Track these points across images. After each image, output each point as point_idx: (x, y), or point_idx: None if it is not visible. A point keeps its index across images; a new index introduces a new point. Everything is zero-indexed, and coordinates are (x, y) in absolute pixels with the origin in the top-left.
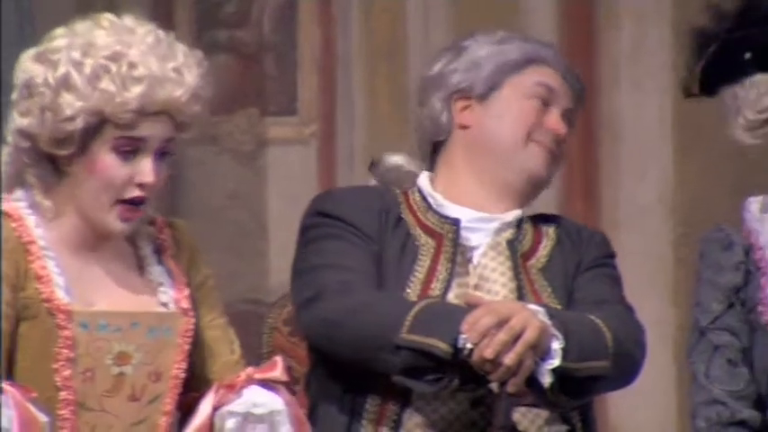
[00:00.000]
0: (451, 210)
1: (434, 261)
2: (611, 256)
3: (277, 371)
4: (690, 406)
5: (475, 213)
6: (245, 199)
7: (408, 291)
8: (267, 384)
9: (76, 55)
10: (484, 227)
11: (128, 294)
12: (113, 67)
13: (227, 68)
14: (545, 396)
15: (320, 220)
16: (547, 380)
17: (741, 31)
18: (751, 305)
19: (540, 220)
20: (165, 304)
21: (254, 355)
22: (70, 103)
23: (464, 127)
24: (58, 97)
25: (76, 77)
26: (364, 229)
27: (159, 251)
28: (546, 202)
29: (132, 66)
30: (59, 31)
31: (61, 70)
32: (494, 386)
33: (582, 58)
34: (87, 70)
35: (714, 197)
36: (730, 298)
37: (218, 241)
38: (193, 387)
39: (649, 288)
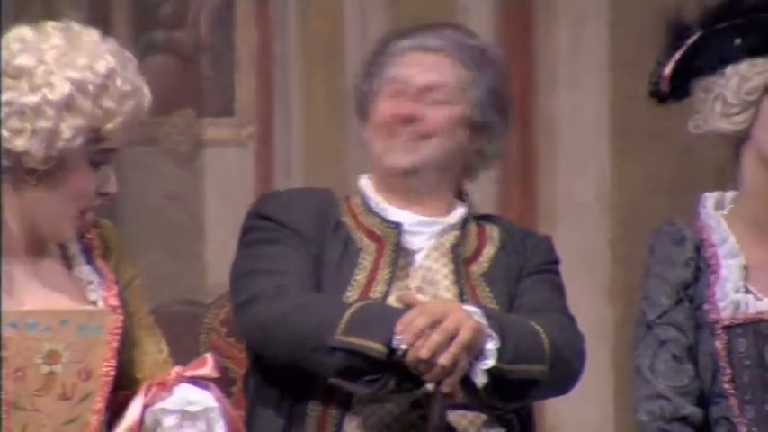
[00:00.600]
0: (393, 213)
1: (375, 265)
2: (555, 262)
3: (207, 368)
4: (633, 399)
5: (417, 217)
6: (182, 200)
7: (348, 294)
8: (197, 382)
9: (76, 75)
10: (426, 230)
11: (57, 293)
12: (110, 84)
13: (165, 69)
14: (479, 397)
15: (260, 224)
16: (481, 380)
17: (726, 22)
18: (698, 302)
19: (485, 222)
20: (93, 302)
21: (192, 355)
22: (73, 125)
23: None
24: (60, 120)
25: (81, 98)
26: (303, 232)
27: (87, 250)
28: (484, 200)
29: (124, 81)
30: (15, 44)
31: (62, 91)
32: (429, 387)
33: (519, 58)
34: (91, 89)
35: (651, 196)
36: (679, 293)
37: (156, 242)
38: (122, 386)
39: (586, 286)
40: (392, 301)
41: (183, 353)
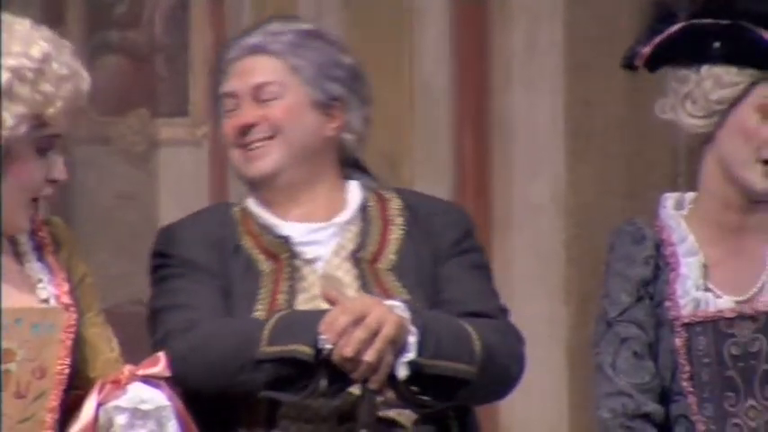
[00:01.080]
0: (283, 227)
1: (275, 284)
2: (471, 232)
3: (159, 367)
4: (594, 397)
5: (307, 225)
6: (136, 200)
7: (255, 315)
8: (150, 380)
9: (13, 62)
10: (319, 237)
11: (9, 291)
12: (47, 69)
13: (119, 69)
14: (404, 392)
15: (162, 261)
16: (402, 373)
17: (710, 18)
18: (659, 299)
19: (387, 202)
20: (45, 300)
21: (145, 356)
22: (15, 112)
23: None
24: (2, 109)
25: (19, 85)
26: (206, 265)
27: (38, 248)
28: None
29: (60, 64)
30: None
31: (1, 79)
32: (356, 390)
33: (474, 58)
34: (28, 75)
35: (605, 198)
36: (639, 291)
37: (109, 242)
38: (74, 385)
39: (542, 287)
40: None
41: (137, 353)
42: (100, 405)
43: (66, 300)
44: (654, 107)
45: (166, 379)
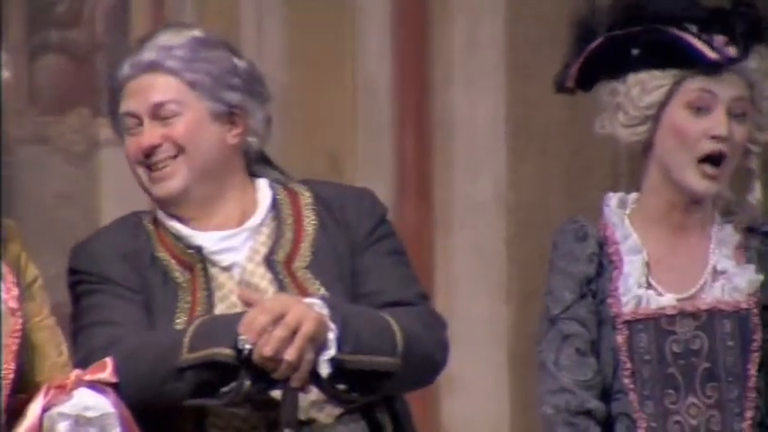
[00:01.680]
0: (196, 237)
1: (193, 294)
2: (384, 218)
3: (106, 372)
4: (537, 394)
5: (217, 233)
6: (77, 200)
7: (176, 327)
8: (96, 386)
9: None
10: (233, 243)
11: None
12: None
13: (59, 69)
14: (327, 389)
15: (79, 278)
16: (324, 371)
17: (626, 28)
18: (601, 297)
19: (297, 196)
20: None
21: None
22: None
23: None
24: None
25: None
26: (123, 280)
27: None
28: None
29: None
30: None
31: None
32: (277, 392)
33: (416, 57)
34: None
35: (546, 197)
36: (582, 289)
37: (49, 241)
38: (21, 389)
39: (483, 286)
40: None
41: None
42: (45, 410)
43: (13, 304)
44: (596, 105)
45: (113, 384)
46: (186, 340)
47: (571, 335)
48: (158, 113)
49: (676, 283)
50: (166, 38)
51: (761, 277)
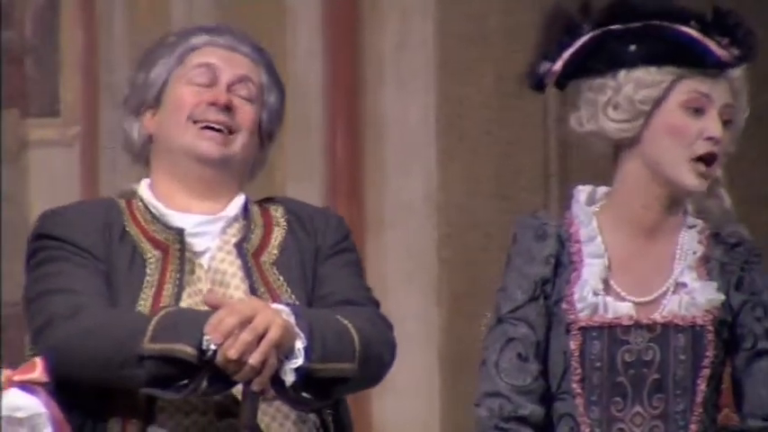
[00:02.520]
0: (175, 218)
1: (162, 273)
2: (348, 235)
3: (36, 372)
4: (469, 393)
5: (197, 217)
6: (8, 200)
7: (140, 306)
8: (26, 386)
9: None
10: (209, 229)
11: None
12: None
13: None
14: (288, 395)
15: (44, 243)
16: (289, 378)
17: (621, 25)
18: (556, 298)
19: (269, 205)
20: None
21: (19, 357)
22: None
23: (151, 137)
24: None
25: None
26: (90, 248)
27: None
28: (312, 199)
29: None
30: None
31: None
32: (237, 390)
33: (346, 56)
34: None
35: (477, 198)
36: (536, 290)
37: None
38: None
39: (414, 287)
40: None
41: (10, 355)
42: None
43: None
44: (526, 106)
45: (43, 384)
46: (150, 329)
47: (515, 338)
48: (238, 87)
49: (637, 288)
50: (251, 40)
51: (721, 297)
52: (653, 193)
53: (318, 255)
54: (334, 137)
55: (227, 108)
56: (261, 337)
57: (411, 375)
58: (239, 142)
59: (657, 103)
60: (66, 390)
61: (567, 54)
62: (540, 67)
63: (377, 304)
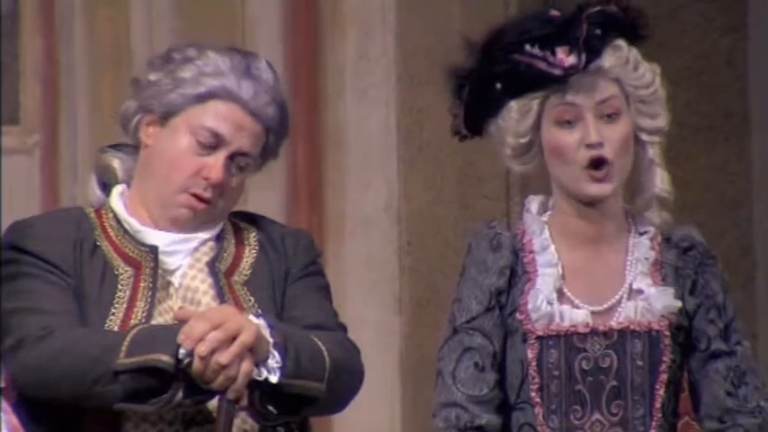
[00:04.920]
0: (149, 235)
1: (134, 290)
2: (317, 258)
3: None
4: (429, 403)
5: (171, 235)
6: None
7: (110, 322)
8: None
9: None
10: (182, 248)
11: None
12: None
13: None
14: (255, 405)
15: (15, 256)
16: (272, 378)
17: (486, 64)
18: (511, 309)
19: (241, 224)
20: None
21: None
22: None
23: (146, 145)
24: None
25: None
26: (60, 264)
27: None
28: (272, 212)
29: None
30: None
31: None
32: (213, 403)
33: (307, 68)
34: None
35: (438, 207)
36: (491, 301)
37: None
38: None
39: (375, 296)
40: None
41: None
42: None
43: None
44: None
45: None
46: (125, 345)
47: (472, 348)
48: (236, 159)
49: (591, 296)
50: (271, 75)
51: (678, 303)
52: (575, 208)
53: (288, 276)
54: (295, 147)
55: (220, 186)
56: (233, 340)
57: (372, 384)
58: (222, 205)
59: (537, 129)
60: (31, 401)
61: (461, 112)
62: (455, 124)
63: (345, 329)
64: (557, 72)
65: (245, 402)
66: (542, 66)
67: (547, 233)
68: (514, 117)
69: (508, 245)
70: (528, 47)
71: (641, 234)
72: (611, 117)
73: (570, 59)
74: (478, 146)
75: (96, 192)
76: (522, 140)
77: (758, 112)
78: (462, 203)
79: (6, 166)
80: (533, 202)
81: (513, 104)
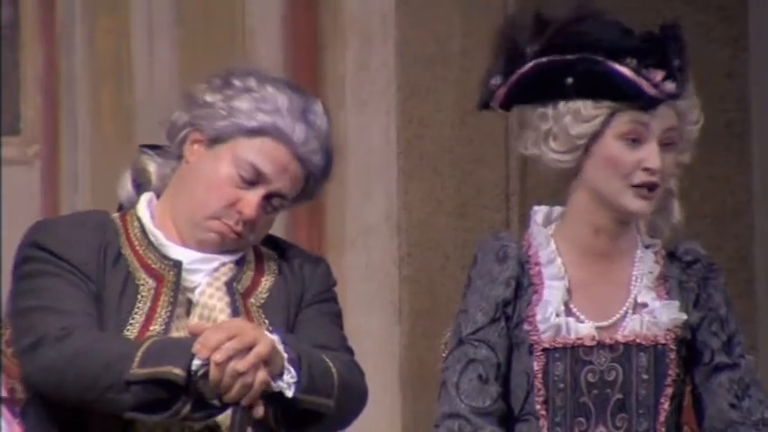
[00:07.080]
0: (173, 250)
1: (154, 303)
2: (333, 286)
3: None
4: (432, 413)
5: (196, 254)
6: None
7: (126, 333)
8: None
9: None
10: (204, 267)
11: None
12: None
13: None
14: (268, 422)
15: (37, 254)
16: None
17: (561, 54)
18: (517, 320)
19: (263, 248)
20: None
21: None
22: None
23: (188, 161)
24: None
25: None
26: (82, 267)
27: None
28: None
29: None
30: None
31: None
32: (221, 418)
33: (307, 78)
34: None
35: (438, 217)
36: (497, 312)
37: None
38: None
39: (376, 306)
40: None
41: None
42: None
43: None
44: (487, 125)
45: (3, 401)
46: (138, 355)
47: (476, 359)
48: (272, 200)
49: (597, 311)
50: (325, 122)
51: (683, 316)
52: (601, 220)
53: (302, 301)
54: None
55: (252, 223)
56: (249, 350)
57: (372, 395)
58: (251, 239)
59: (594, 136)
60: (40, 405)
61: (510, 82)
62: (486, 87)
63: (352, 353)
64: (657, 95)
65: (260, 413)
66: (642, 83)
67: (553, 245)
68: (576, 117)
69: (515, 255)
70: (625, 56)
71: (647, 247)
72: (667, 146)
73: (669, 86)
74: (479, 155)
75: (129, 188)
76: (578, 142)
77: (758, 123)
78: (462, 214)
79: (6, 177)
80: (539, 213)
81: (580, 105)
